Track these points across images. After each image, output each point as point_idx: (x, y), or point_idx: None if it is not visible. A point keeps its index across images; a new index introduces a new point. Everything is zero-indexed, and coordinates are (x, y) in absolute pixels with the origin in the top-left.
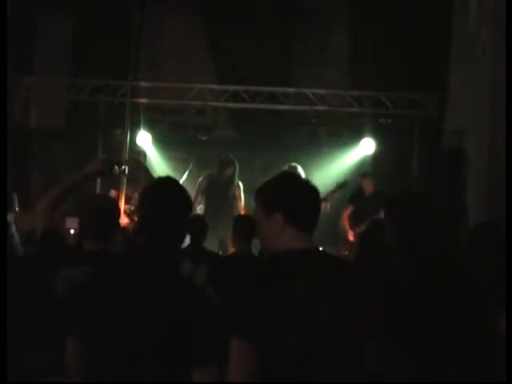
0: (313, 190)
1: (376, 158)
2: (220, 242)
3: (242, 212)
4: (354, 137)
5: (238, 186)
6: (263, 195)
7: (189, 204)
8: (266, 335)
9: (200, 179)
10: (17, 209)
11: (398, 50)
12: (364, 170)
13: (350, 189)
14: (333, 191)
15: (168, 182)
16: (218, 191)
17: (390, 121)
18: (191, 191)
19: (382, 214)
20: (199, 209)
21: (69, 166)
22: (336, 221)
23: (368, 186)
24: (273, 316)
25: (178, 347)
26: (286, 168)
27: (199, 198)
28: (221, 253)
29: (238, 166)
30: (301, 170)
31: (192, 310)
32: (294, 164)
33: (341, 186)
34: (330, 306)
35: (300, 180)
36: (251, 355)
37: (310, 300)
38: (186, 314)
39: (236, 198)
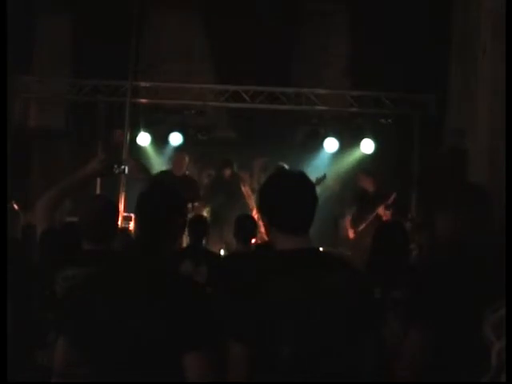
0: (302, 188)
1: (376, 157)
2: (225, 242)
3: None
4: (354, 137)
5: (249, 185)
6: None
7: (182, 204)
8: (261, 336)
9: (206, 180)
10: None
11: (398, 50)
12: (362, 168)
13: (349, 187)
14: None
15: (162, 184)
16: (222, 192)
17: (390, 121)
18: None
19: (378, 212)
20: (206, 211)
21: (69, 166)
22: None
23: (368, 184)
24: (267, 317)
25: (170, 341)
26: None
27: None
28: (225, 253)
29: (235, 166)
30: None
31: (187, 304)
32: (280, 164)
33: (320, 180)
34: (324, 306)
35: (288, 179)
36: (247, 356)
37: (302, 301)
38: (182, 312)
39: (247, 197)
